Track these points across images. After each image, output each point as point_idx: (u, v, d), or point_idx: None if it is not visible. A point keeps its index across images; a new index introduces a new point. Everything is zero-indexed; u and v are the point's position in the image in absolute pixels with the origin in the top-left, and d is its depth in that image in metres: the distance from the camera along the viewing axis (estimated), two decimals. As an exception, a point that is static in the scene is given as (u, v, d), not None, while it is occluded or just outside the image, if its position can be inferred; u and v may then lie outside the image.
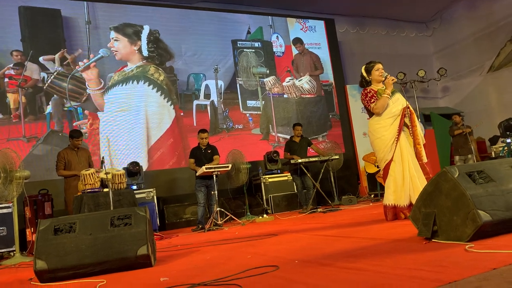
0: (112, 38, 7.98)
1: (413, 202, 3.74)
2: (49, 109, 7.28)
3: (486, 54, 10.67)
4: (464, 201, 2.41)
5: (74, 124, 7.42)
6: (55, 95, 7.27)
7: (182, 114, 8.31)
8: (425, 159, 3.93)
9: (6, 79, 7.03)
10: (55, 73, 7.30)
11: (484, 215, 2.34)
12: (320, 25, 10.20)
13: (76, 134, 6.05)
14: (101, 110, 7.65)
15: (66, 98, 7.38)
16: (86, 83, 7.65)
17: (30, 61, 7.23)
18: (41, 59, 7.31)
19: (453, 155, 8.50)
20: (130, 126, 7.80)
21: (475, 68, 11.00)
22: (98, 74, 7.74)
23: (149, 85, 8.07)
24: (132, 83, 7.94)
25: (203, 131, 6.61)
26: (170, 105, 8.24)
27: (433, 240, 2.53)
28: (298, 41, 9.89)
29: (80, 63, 7.65)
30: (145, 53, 8.20)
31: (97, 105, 7.65)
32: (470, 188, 2.44)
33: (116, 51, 7.97)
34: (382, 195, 7.73)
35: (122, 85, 7.88)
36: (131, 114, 7.86)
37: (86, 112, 7.58)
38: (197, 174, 6.26)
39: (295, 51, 9.79)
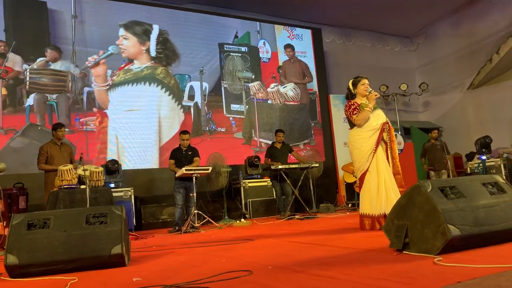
0: (122, 36, 8.06)
1: (387, 213, 3.87)
2: (28, 101, 7.16)
3: (466, 72, 10.93)
4: (435, 215, 2.47)
5: (81, 120, 7.47)
6: (36, 92, 7.17)
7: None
8: (400, 173, 4.12)
9: (-13, 69, 6.91)
10: (29, 70, 7.20)
11: (453, 229, 2.41)
12: (307, 33, 10.31)
13: (59, 125, 6.04)
14: (104, 107, 7.69)
15: (48, 93, 7.28)
16: (92, 79, 7.69)
17: (12, 52, 7.12)
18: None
19: (428, 169, 8.63)
20: (141, 127, 7.91)
21: (455, 84, 11.26)
22: (106, 70, 7.82)
23: (161, 88, 8.26)
24: (144, 84, 8.09)
25: (184, 132, 6.60)
26: (180, 108, 8.43)
27: (404, 251, 2.59)
28: (289, 47, 9.99)
29: (89, 58, 7.71)
30: (153, 53, 8.33)
31: (100, 101, 7.70)
32: (442, 202, 2.52)
33: (124, 49, 8.04)
34: (358, 205, 7.85)
35: (131, 85, 7.99)
36: (142, 114, 7.97)
37: (95, 109, 7.63)
38: (176, 175, 6.24)
39: (282, 57, 9.86)
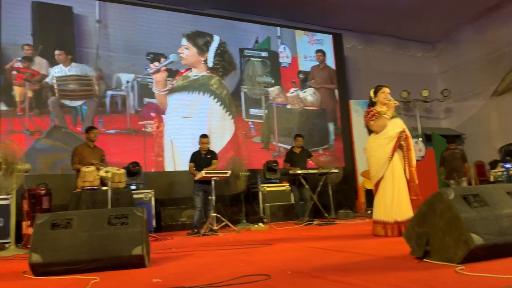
0: (183, 46, 8.46)
1: (399, 219, 3.99)
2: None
3: (490, 78, 10.73)
4: (457, 223, 2.44)
5: (139, 123, 7.86)
6: (54, 96, 7.33)
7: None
8: (416, 181, 4.14)
9: (14, 72, 7.10)
10: (55, 78, 7.38)
11: (476, 238, 2.37)
12: (327, 39, 10.28)
13: (90, 128, 6.38)
14: (163, 109, 8.09)
15: (76, 99, 7.45)
16: (153, 84, 8.08)
17: (39, 56, 7.31)
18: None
19: (447, 178, 8.42)
20: (193, 133, 8.00)
21: (478, 91, 11.05)
22: (166, 77, 8.19)
23: (214, 99, 8.57)
24: (199, 93, 8.42)
25: (204, 136, 6.66)
26: (231, 119, 8.71)
27: (424, 259, 2.56)
28: (320, 52, 10.08)
29: (151, 65, 8.10)
30: (211, 64, 8.69)
31: (160, 105, 8.10)
32: (464, 211, 2.48)
33: (183, 57, 8.43)
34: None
35: (187, 92, 8.35)
36: (195, 122, 8.28)
37: (153, 114, 7.99)
38: (196, 178, 6.29)
39: (302, 62, 9.85)
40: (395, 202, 4.04)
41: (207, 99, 8.50)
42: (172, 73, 8.31)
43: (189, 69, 8.43)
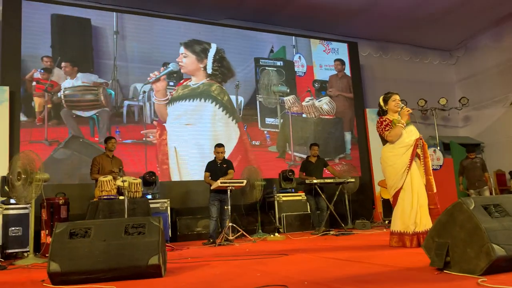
0: (181, 54, 8.46)
1: (419, 230, 3.91)
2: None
3: (509, 85, 10.55)
4: (478, 234, 2.38)
5: (141, 132, 7.85)
6: (64, 108, 7.43)
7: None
8: (434, 189, 4.04)
9: (34, 83, 7.24)
10: (63, 89, 7.47)
11: (498, 249, 2.31)
12: (343, 47, 10.27)
13: (109, 138, 6.46)
14: (163, 120, 8.06)
15: (85, 110, 7.55)
16: (153, 93, 8.09)
17: (57, 67, 7.45)
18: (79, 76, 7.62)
19: (468, 188, 8.26)
20: (197, 140, 8.22)
21: (498, 99, 10.87)
22: (166, 86, 8.21)
23: (216, 105, 8.55)
24: (200, 100, 8.42)
25: (219, 145, 6.67)
26: (235, 123, 8.70)
27: (445, 271, 2.51)
28: (338, 61, 10.08)
29: (151, 74, 8.11)
30: (210, 70, 8.67)
31: (160, 115, 8.07)
32: (485, 221, 2.42)
33: (182, 66, 8.44)
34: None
35: (188, 100, 8.33)
36: (198, 128, 8.29)
37: (155, 122, 8.01)
38: (211, 188, 6.30)
39: (317, 71, 9.84)
40: (413, 213, 3.95)
41: (209, 105, 8.49)
42: (176, 79, 8.33)
43: (188, 78, 8.43)
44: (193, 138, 8.19)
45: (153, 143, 7.91)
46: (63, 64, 7.56)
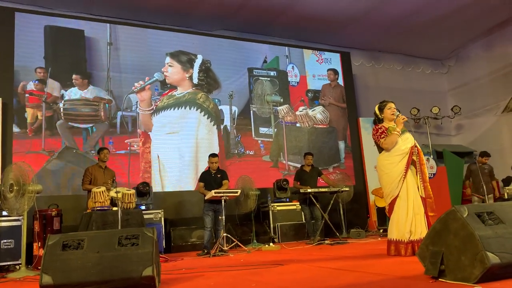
0: (167, 63, 8.43)
1: (414, 239, 3.90)
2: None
3: (501, 94, 10.67)
4: (472, 242, 2.39)
5: (126, 141, 7.77)
6: (61, 119, 7.41)
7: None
8: (432, 197, 4.04)
9: (27, 95, 7.22)
10: (63, 102, 7.47)
11: (492, 257, 2.31)
12: (335, 57, 10.34)
13: (102, 148, 6.44)
14: (148, 130, 7.98)
15: (83, 123, 7.53)
16: (138, 103, 8.01)
17: (51, 79, 7.43)
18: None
19: (471, 194, 8.23)
20: (180, 148, 8.14)
21: (489, 107, 10.97)
22: (151, 96, 8.14)
23: (200, 112, 8.50)
24: (184, 108, 8.36)
25: (213, 155, 6.66)
26: (219, 131, 8.66)
27: (440, 279, 2.51)
28: (331, 70, 10.14)
29: (135, 84, 8.06)
30: (195, 81, 8.63)
31: (144, 125, 8.00)
32: (479, 228, 2.43)
33: (169, 76, 8.40)
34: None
35: (173, 109, 8.26)
36: (181, 137, 8.21)
37: (139, 131, 7.92)
38: (205, 198, 6.28)
39: (310, 81, 9.89)
40: (408, 221, 3.95)
41: (194, 112, 8.44)
42: (163, 89, 8.32)
43: (173, 88, 8.40)
44: (176, 147, 8.11)
45: (137, 152, 7.81)
46: (74, 76, 7.58)
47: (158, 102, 8.18)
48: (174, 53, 8.54)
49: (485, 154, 8.35)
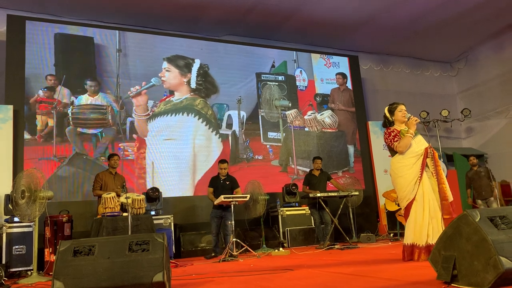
0: (164, 68, 8.38)
1: (431, 242, 3.77)
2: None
3: (511, 96, 10.57)
4: (485, 246, 2.36)
5: (119, 145, 7.71)
6: (70, 126, 7.47)
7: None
8: (450, 198, 3.89)
9: (38, 102, 7.29)
10: (71, 108, 7.53)
11: (506, 262, 2.28)
12: (343, 61, 10.33)
13: (111, 155, 6.55)
14: (143, 136, 7.93)
15: (91, 128, 7.58)
16: (133, 109, 7.97)
17: (62, 86, 7.51)
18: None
19: (475, 198, 8.23)
20: (177, 155, 8.09)
21: (500, 110, 10.87)
22: (147, 101, 8.10)
23: (198, 119, 8.44)
24: (182, 114, 8.29)
25: (223, 161, 6.68)
26: (218, 138, 8.56)
27: (452, 284, 2.48)
28: (340, 75, 10.14)
29: (131, 89, 8.03)
30: (193, 85, 8.57)
31: (140, 131, 7.93)
32: (491, 233, 2.40)
33: (166, 81, 8.35)
34: (401, 235, 7.60)
35: (171, 115, 8.20)
36: (179, 143, 8.15)
37: (135, 136, 7.87)
38: (215, 203, 6.29)
39: (319, 85, 9.89)
40: (425, 225, 3.85)
41: (192, 119, 8.37)
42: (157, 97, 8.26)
43: (171, 94, 8.32)
44: (172, 153, 8.04)
45: (130, 158, 7.75)
46: (88, 82, 7.67)
47: (155, 109, 8.13)
48: (171, 57, 8.49)
49: (469, 159, 8.46)
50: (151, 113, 8.06)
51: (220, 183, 6.58)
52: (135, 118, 7.96)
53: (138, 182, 7.68)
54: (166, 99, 8.28)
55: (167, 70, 8.41)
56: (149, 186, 7.59)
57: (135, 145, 7.85)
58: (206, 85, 8.71)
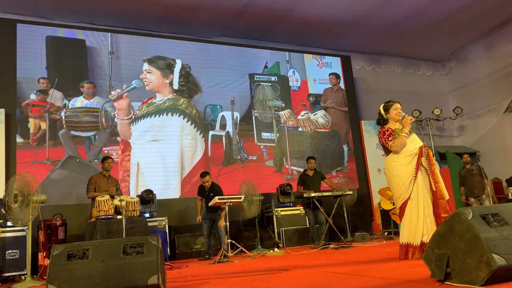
0: (145, 70, 8.27)
1: (426, 241, 3.75)
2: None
3: (503, 94, 10.66)
4: (478, 244, 2.38)
5: (103, 149, 7.63)
6: (63, 129, 7.42)
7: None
8: (447, 196, 3.90)
9: (30, 105, 7.25)
10: (65, 110, 7.48)
11: (498, 259, 2.30)
12: (336, 61, 10.36)
13: (105, 157, 6.51)
14: (127, 139, 7.83)
15: (84, 131, 7.53)
16: (115, 112, 7.87)
17: (54, 89, 7.46)
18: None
19: (468, 196, 8.28)
20: (164, 155, 8.02)
21: (491, 108, 10.97)
22: (129, 104, 8.01)
23: (183, 118, 8.36)
24: (166, 115, 8.21)
25: (203, 175, 6.63)
26: (202, 137, 8.49)
27: (446, 282, 2.50)
28: (333, 75, 10.17)
29: (113, 92, 7.92)
30: (176, 86, 8.49)
31: (123, 134, 7.83)
32: (484, 231, 2.42)
33: (148, 83, 8.24)
34: (396, 233, 7.63)
35: (154, 116, 8.12)
36: (164, 144, 8.07)
37: (119, 138, 7.79)
38: (209, 204, 6.29)
39: (311, 85, 9.92)
40: (420, 223, 3.85)
41: (177, 119, 8.29)
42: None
43: (152, 97, 8.22)
44: (158, 155, 7.97)
45: (115, 160, 7.58)
46: (85, 85, 7.59)
47: (137, 112, 8.01)
48: (152, 59, 8.39)
49: (462, 157, 8.53)
50: (133, 117, 7.96)
51: (206, 194, 6.59)
52: (118, 122, 7.85)
53: (122, 185, 7.59)
54: (148, 101, 8.20)
55: (148, 72, 8.31)
56: (132, 188, 7.56)
57: (119, 148, 7.75)
58: (189, 85, 8.63)
